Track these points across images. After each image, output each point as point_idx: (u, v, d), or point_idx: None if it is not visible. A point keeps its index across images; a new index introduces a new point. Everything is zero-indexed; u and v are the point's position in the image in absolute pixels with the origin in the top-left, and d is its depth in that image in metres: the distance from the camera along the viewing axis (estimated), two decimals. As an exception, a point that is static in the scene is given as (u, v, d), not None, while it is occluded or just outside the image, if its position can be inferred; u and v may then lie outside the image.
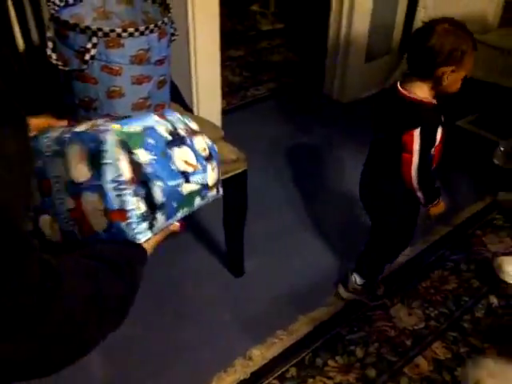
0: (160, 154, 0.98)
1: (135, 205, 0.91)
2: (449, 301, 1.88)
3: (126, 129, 0.95)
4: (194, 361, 1.66)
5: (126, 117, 1.04)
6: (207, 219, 2.12)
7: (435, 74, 1.48)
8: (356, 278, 1.85)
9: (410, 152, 1.53)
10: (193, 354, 1.68)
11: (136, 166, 0.91)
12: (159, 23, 1.37)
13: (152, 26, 1.35)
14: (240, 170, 1.66)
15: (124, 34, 1.32)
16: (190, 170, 1.05)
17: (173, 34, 1.50)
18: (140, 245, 0.90)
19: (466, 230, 2.20)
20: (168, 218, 0.97)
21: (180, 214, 1.05)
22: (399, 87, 1.55)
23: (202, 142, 1.10)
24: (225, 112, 2.69)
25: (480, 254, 2.09)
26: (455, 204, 2.31)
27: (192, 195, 1.08)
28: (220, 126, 2.47)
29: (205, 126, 1.64)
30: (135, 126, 0.98)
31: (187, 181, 1.05)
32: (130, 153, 0.92)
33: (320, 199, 2.36)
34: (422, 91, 1.53)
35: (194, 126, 1.11)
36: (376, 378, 1.63)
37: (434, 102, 1.55)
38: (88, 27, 1.30)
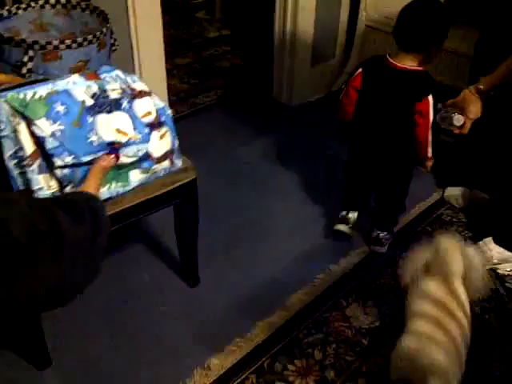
0: (71, 124, 0.85)
1: (43, 183, 0.79)
2: (403, 297, 1.90)
3: (22, 96, 0.80)
4: (152, 375, 1.64)
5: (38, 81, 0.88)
6: (159, 229, 2.10)
7: (430, 48, 1.72)
8: (381, 234, 2.08)
9: (427, 116, 1.76)
10: (151, 368, 1.66)
11: (38, 138, 0.78)
12: (98, 34, 1.35)
13: (90, 37, 1.34)
14: (189, 179, 1.65)
15: (61, 46, 1.30)
16: (122, 138, 0.91)
17: (113, 45, 1.48)
18: (92, 194, 0.83)
19: (416, 227, 2.24)
20: None
21: (109, 190, 0.95)
22: (393, 62, 1.75)
23: (146, 105, 0.96)
24: (174, 120, 2.66)
25: (430, 249, 2.13)
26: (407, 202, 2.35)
27: (124, 169, 0.95)
28: (169, 135, 2.46)
29: (151, 137, 1.62)
30: (40, 91, 0.83)
31: (114, 150, 0.91)
32: (30, 124, 0.79)
33: (274, 202, 2.37)
34: (415, 64, 1.75)
35: (139, 85, 0.98)
36: (335, 379, 1.64)
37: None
38: (23, 40, 1.28)
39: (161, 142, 1.02)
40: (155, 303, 1.87)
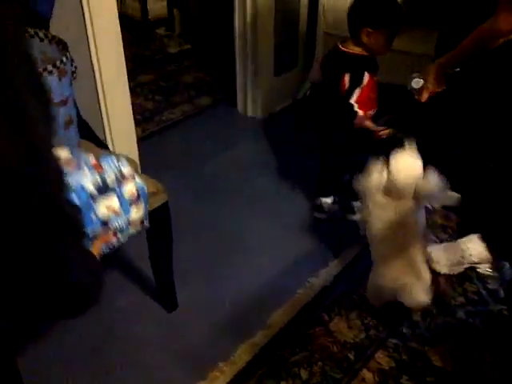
0: (84, 207, 1.18)
1: None
2: (386, 308, 1.88)
3: None
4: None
5: None
6: (133, 255, 2.04)
7: (359, 32, 1.92)
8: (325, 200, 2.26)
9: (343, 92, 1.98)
10: (132, 400, 1.60)
11: None
12: (57, 63, 1.30)
13: (50, 67, 1.29)
14: (160, 203, 1.60)
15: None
16: (112, 215, 1.24)
17: (74, 73, 1.44)
18: None
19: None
20: None
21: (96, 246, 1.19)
22: (340, 47, 2.01)
23: (131, 187, 1.28)
24: (141, 139, 2.62)
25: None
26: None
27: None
28: (137, 156, 2.41)
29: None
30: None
31: (105, 225, 1.24)
32: None
33: (246, 216, 2.33)
34: (357, 49, 1.97)
35: (127, 170, 1.29)
36: (323, 398, 1.60)
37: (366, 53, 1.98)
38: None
39: (137, 214, 1.33)
40: (133, 329, 1.81)
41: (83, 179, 1.23)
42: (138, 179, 1.32)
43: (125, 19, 2.21)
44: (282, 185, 2.51)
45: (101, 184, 1.24)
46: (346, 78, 1.96)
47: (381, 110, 2.25)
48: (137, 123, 2.49)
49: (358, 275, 2.01)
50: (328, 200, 2.28)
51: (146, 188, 1.34)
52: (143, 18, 4.04)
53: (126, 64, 2.26)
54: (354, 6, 1.97)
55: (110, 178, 1.26)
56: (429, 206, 2.30)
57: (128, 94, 2.36)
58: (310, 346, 1.74)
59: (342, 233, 2.19)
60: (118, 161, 1.30)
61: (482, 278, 1.99)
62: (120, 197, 1.27)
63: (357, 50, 1.98)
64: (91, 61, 2.12)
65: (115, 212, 1.26)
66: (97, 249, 1.16)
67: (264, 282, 1.98)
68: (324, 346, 1.74)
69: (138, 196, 1.31)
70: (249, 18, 2.77)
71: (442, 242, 2.16)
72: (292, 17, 2.97)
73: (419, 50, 2.45)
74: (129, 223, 1.33)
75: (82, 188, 1.21)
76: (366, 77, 1.96)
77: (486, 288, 1.96)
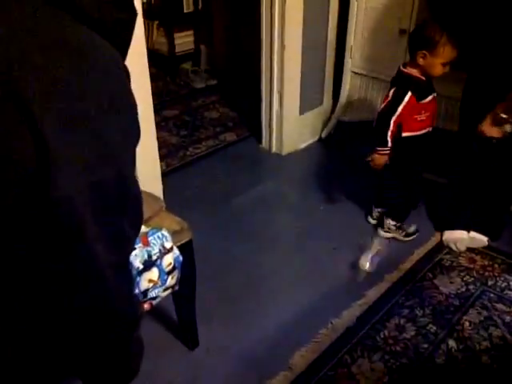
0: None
1: None
2: (408, 350, 1.85)
3: None
4: None
5: None
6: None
7: (415, 55, 2.05)
8: (387, 221, 2.40)
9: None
10: None
11: None
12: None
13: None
14: (184, 241, 1.60)
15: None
16: (151, 286, 1.32)
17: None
18: None
19: (417, 273, 2.20)
20: None
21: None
22: (402, 69, 2.13)
23: (169, 259, 1.37)
24: (165, 174, 2.65)
25: (433, 297, 2.08)
26: (405, 247, 2.33)
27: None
28: (161, 191, 2.43)
29: (145, 200, 1.59)
30: None
31: (145, 296, 1.34)
32: None
33: (270, 254, 2.33)
34: (414, 70, 2.09)
35: (168, 243, 1.37)
36: None
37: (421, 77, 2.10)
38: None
39: (172, 281, 1.42)
40: (153, 366, 1.79)
41: (133, 256, 1.29)
42: (175, 250, 1.40)
43: (151, 54, 2.25)
44: (307, 223, 2.51)
45: (147, 259, 1.31)
46: (391, 92, 2.13)
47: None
48: (161, 158, 2.52)
49: (381, 316, 1.99)
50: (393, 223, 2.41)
51: (181, 257, 1.42)
52: (170, 52, 4.12)
53: (152, 98, 2.31)
54: (415, 30, 2.16)
55: (155, 252, 1.34)
56: (455, 248, 2.30)
57: (154, 129, 2.39)
58: (331, 389, 1.72)
59: (364, 276, 2.16)
60: (162, 235, 1.38)
61: (507, 322, 1.96)
62: (160, 270, 1.35)
63: (413, 71, 2.10)
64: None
65: (154, 283, 1.34)
66: None
67: (286, 323, 1.96)
68: (346, 390, 1.71)
69: (174, 266, 1.39)
70: (276, 56, 2.82)
71: (467, 285, 2.13)
72: (319, 55, 3.01)
73: (446, 93, 2.45)
74: (163, 291, 1.42)
75: (132, 265, 1.28)
76: (408, 96, 2.08)
77: (510, 333, 1.92)
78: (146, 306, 1.37)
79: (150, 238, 1.34)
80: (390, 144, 2.13)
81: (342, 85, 3.02)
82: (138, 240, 1.31)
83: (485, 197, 2.26)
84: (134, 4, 0.75)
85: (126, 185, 0.72)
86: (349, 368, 1.78)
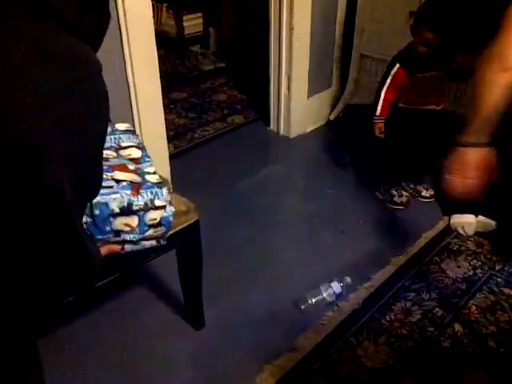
0: (98, 221, 1.25)
1: None
2: (414, 333, 1.85)
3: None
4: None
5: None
6: (162, 271, 2.05)
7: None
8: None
9: None
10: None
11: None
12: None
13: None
14: (191, 222, 1.61)
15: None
16: (126, 229, 1.30)
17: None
18: None
19: (424, 257, 2.20)
20: None
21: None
22: None
23: (155, 215, 1.33)
24: (173, 156, 2.65)
25: (440, 280, 2.08)
26: (413, 231, 2.32)
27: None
28: (169, 173, 2.44)
29: (151, 180, 1.59)
30: (98, 198, 1.21)
31: (117, 235, 1.30)
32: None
33: (276, 237, 2.33)
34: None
35: (159, 202, 1.34)
36: (349, 424, 1.57)
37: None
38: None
39: (155, 233, 1.36)
40: (159, 346, 1.81)
41: (111, 199, 1.26)
42: (168, 210, 1.35)
43: (160, 36, 2.24)
44: (313, 205, 2.51)
45: (125, 206, 1.27)
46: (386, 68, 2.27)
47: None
48: (169, 140, 2.52)
49: (388, 300, 1.99)
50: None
51: (171, 218, 1.36)
52: (178, 35, 4.10)
53: (161, 81, 2.30)
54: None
55: (138, 203, 1.29)
56: (463, 232, 2.29)
57: (162, 111, 2.39)
58: (337, 371, 1.72)
59: (371, 257, 2.17)
60: (155, 192, 1.32)
61: (515, 307, 1.95)
62: (140, 220, 1.31)
63: (412, 45, 2.16)
64: (126, 76, 2.16)
65: (131, 228, 1.31)
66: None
67: (292, 304, 1.97)
68: (351, 371, 1.72)
69: (161, 223, 1.34)
70: (284, 39, 2.80)
71: (474, 269, 2.13)
72: (327, 38, 2.98)
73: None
74: (141, 239, 1.36)
75: (106, 206, 1.25)
76: (395, 68, 2.18)
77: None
78: (117, 247, 1.33)
79: (141, 190, 1.31)
80: (378, 112, 2.25)
81: (351, 67, 2.99)
82: (129, 187, 1.30)
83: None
84: (108, 7, 0.78)
85: (98, 167, 0.80)
86: (354, 350, 1.79)
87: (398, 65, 2.16)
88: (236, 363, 1.75)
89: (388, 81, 2.18)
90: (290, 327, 1.87)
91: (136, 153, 1.43)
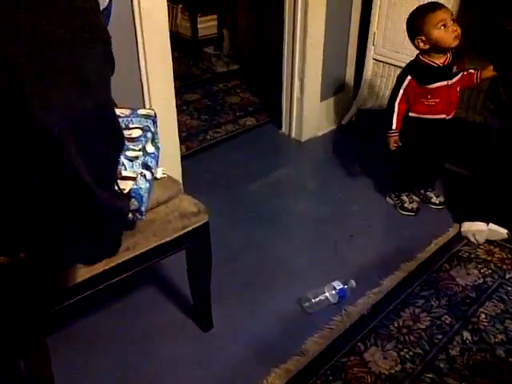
0: None
1: None
2: (422, 340, 1.85)
3: None
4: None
5: None
6: (171, 272, 2.06)
7: (413, 41, 2.14)
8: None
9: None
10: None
11: None
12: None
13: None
14: (201, 223, 1.61)
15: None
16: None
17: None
18: None
19: (433, 264, 2.19)
20: None
21: None
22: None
23: (123, 186, 1.32)
24: (184, 157, 2.66)
25: (449, 288, 2.07)
26: (423, 237, 2.31)
27: None
28: (180, 174, 2.44)
29: (164, 182, 1.61)
30: None
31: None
32: None
33: (286, 241, 2.33)
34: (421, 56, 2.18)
35: (126, 172, 1.36)
36: (355, 429, 1.57)
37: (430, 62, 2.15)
38: None
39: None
40: (168, 349, 1.82)
41: None
42: (140, 183, 1.38)
43: (175, 38, 2.25)
44: (323, 209, 2.51)
45: None
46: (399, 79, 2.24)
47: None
48: (181, 141, 2.53)
49: (396, 306, 1.98)
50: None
51: (142, 192, 1.39)
52: (193, 37, 4.12)
53: (174, 82, 2.31)
54: (406, 24, 2.16)
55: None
56: (474, 240, 2.28)
57: (175, 112, 2.41)
58: (343, 375, 1.71)
59: (380, 262, 2.17)
60: (121, 163, 1.35)
61: (525, 316, 1.94)
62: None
63: (421, 57, 2.17)
64: (140, 77, 2.18)
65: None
66: None
67: (300, 308, 1.97)
68: (358, 376, 1.71)
69: (130, 195, 1.36)
70: (298, 42, 2.80)
71: (484, 277, 2.11)
72: (341, 42, 2.99)
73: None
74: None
75: None
76: (407, 80, 2.16)
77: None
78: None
79: (125, 162, 1.38)
80: (394, 126, 2.23)
81: (364, 72, 2.99)
82: None
83: (505, 189, 2.23)
84: None
85: (104, 113, 0.82)
86: (361, 356, 1.78)
87: (409, 77, 2.15)
88: (243, 365, 1.75)
89: (400, 93, 2.17)
90: (298, 331, 1.87)
91: (136, 133, 1.48)
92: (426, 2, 2.21)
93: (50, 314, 1.35)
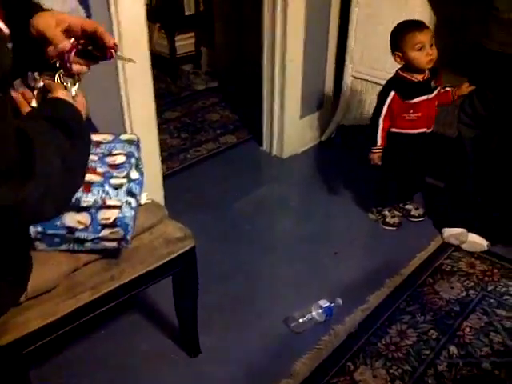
0: None
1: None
2: (411, 356, 1.86)
3: None
4: None
5: None
6: (156, 297, 2.04)
7: (394, 56, 2.17)
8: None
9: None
10: None
11: None
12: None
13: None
14: (187, 248, 1.61)
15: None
16: (80, 227, 1.33)
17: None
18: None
19: (417, 278, 2.20)
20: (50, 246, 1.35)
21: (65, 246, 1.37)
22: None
23: (109, 215, 1.35)
24: (166, 177, 2.65)
25: (434, 302, 2.09)
26: (406, 252, 2.33)
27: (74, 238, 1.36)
28: (162, 195, 2.43)
29: (148, 207, 1.60)
30: None
31: (71, 233, 1.34)
32: None
33: (272, 258, 2.33)
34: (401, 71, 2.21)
35: (112, 201, 1.35)
36: None
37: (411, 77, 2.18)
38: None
39: (112, 235, 1.37)
40: (155, 376, 1.80)
41: None
42: (124, 211, 1.36)
43: (153, 56, 2.25)
44: (306, 227, 2.52)
45: (73, 202, 1.29)
46: (379, 93, 2.30)
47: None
48: (162, 161, 2.52)
49: (383, 322, 1.99)
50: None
51: (126, 220, 1.36)
52: (171, 54, 4.12)
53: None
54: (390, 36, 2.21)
55: (86, 199, 1.32)
56: (457, 242, 2.31)
57: (156, 132, 2.40)
58: (334, 397, 1.72)
59: (366, 279, 2.18)
60: (106, 192, 1.34)
61: (507, 328, 1.96)
62: (93, 218, 1.34)
63: (402, 72, 2.20)
64: (121, 99, 2.17)
65: (84, 225, 1.33)
66: None
67: (288, 329, 1.96)
68: (348, 397, 1.72)
69: (116, 224, 1.35)
70: (277, 59, 2.82)
71: (467, 290, 2.14)
72: (320, 59, 3.02)
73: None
74: (101, 239, 1.38)
75: None
76: (391, 95, 2.18)
77: (511, 339, 1.93)
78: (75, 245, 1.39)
79: (92, 188, 1.34)
80: (379, 142, 2.25)
81: (343, 89, 3.02)
82: None
83: (485, 201, 2.27)
84: None
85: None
86: (351, 375, 1.78)
87: (393, 92, 2.18)
88: (233, 390, 1.74)
89: (385, 109, 2.19)
90: (287, 352, 1.87)
91: (120, 159, 1.45)
92: (403, 19, 2.23)
93: (31, 352, 1.33)
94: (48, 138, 0.88)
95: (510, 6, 1.90)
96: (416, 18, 2.26)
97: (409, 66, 2.15)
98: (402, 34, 2.13)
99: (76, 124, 0.98)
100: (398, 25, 2.18)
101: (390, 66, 2.35)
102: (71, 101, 1.03)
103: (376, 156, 2.27)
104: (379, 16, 2.70)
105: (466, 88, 2.18)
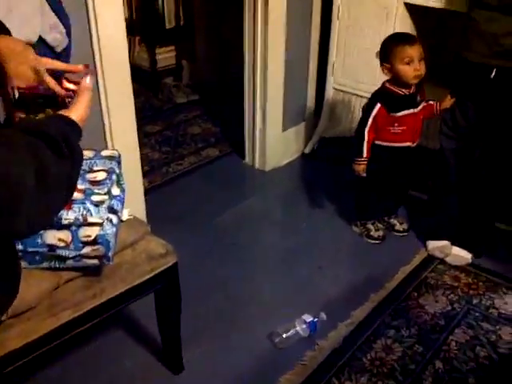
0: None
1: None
2: (396, 372, 1.84)
3: None
4: None
5: None
6: (139, 313, 2.00)
7: (382, 68, 2.17)
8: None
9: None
10: None
11: None
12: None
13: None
14: (170, 264, 1.58)
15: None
16: (60, 244, 1.33)
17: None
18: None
19: (402, 292, 2.19)
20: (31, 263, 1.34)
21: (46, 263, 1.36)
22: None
23: (90, 232, 1.34)
24: (148, 191, 2.62)
25: (419, 316, 2.08)
26: (389, 266, 2.32)
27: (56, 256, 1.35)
28: (144, 210, 2.40)
29: (130, 223, 1.57)
30: None
31: (52, 250, 1.33)
32: None
33: (255, 273, 2.31)
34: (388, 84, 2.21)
35: (94, 219, 1.34)
36: None
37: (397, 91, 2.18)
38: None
39: (93, 252, 1.36)
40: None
41: None
42: (106, 229, 1.35)
43: (133, 69, 2.23)
44: (290, 240, 2.50)
45: (59, 221, 1.30)
46: (364, 105, 2.29)
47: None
48: (143, 175, 2.49)
49: (368, 337, 1.98)
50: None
51: (108, 237, 1.35)
52: (151, 68, 4.10)
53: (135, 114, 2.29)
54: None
55: (67, 217, 1.31)
56: (441, 255, 2.31)
57: (137, 146, 2.37)
58: (319, 414, 1.69)
59: (350, 293, 2.16)
60: (87, 209, 1.34)
61: (493, 342, 1.96)
62: (74, 236, 1.33)
63: (389, 85, 2.20)
64: (101, 113, 2.15)
65: (65, 244, 1.33)
66: None
67: (273, 345, 1.94)
68: (334, 414, 1.69)
69: (97, 241, 1.34)
70: (258, 73, 2.81)
71: (452, 304, 2.13)
72: (301, 72, 3.02)
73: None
74: (82, 257, 1.37)
75: None
76: (377, 107, 2.18)
77: (496, 352, 1.92)
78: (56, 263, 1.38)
79: (74, 205, 1.33)
80: (365, 154, 2.24)
81: (324, 101, 3.02)
82: None
83: (468, 213, 2.27)
84: None
85: None
86: (336, 391, 1.76)
87: (379, 104, 2.17)
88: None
89: (370, 121, 2.19)
90: (271, 368, 1.84)
91: (101, 176, 1.44)
92: (383, 31, 2.24)
93: (12, 372, 1.29)
94: (21, 154, 0.84)
95: (486, 17, 1.92)
96: (397, 30, 2.27)
97: (396, 78, 2.15)
98: (391, 46, 2.13)
99: (64, 139, 0.93)
100: (389, 36, 2.19)
101: (370, 79, 2.36)
102: (73, 117, 1.01)
103: (361, 168, 2.26)
104: (360, 28, 2.71)
105: (448, 101, 2.18)
